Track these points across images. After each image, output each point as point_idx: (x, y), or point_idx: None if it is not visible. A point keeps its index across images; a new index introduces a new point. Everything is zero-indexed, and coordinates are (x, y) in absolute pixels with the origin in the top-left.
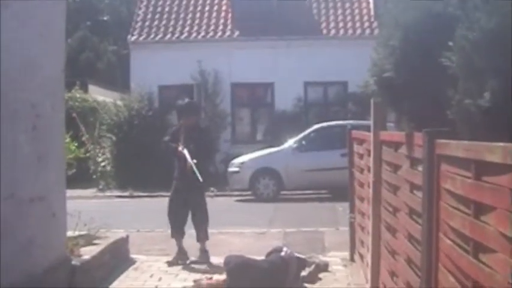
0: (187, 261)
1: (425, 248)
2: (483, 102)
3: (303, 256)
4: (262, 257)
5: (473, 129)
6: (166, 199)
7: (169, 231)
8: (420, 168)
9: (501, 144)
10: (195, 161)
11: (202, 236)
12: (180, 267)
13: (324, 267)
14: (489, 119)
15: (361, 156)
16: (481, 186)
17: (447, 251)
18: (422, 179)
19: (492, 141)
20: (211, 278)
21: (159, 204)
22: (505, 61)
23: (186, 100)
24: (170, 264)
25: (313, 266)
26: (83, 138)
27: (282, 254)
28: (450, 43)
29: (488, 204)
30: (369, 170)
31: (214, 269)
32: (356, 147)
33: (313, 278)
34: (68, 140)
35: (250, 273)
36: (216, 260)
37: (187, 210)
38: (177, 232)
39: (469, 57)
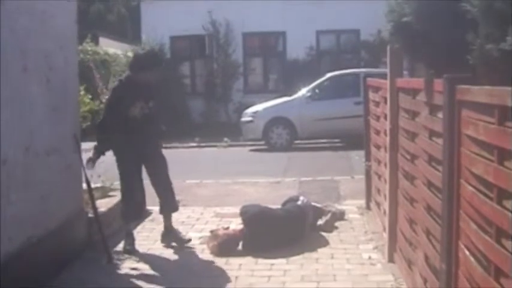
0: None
1: (446, 195)
2: (506, 46)
3: (319, 205)
4: (278, 206)
5: (495, 74)
6: (180, 150)
7: (187, 181)
8: (440, 114)
9: None
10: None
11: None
12: (196, 218)
13: (340, 216)
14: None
15: (377, 104)
16: (505, 132)
17: (469, 198)
18: (442, 126)
19: None
20: (227, 228)
21: (173, 155)
22: None
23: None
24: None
25: (329, 215)
26: (98, 90)
27: (299, 203)
28: None
29: None
30: (385, 118)
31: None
32: (372, 95)
33: (329, 227)
34: (82, 92)
35: (267, 222)
36: (233, 209)
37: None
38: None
39: (491, 0)
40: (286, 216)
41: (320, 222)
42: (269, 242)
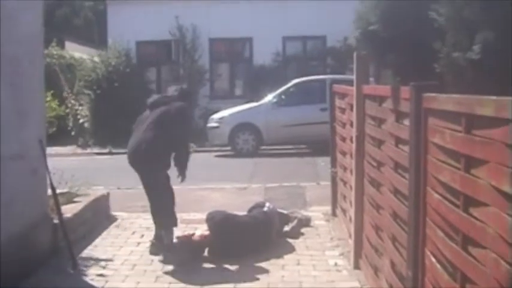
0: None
1: (413, 202)
2: (473, 55)
3: (285, 211)
4: (245, 213)
5: (462, 82)
6: None
7: None
8: (406, 122)
9: (493, 97)
10: None
11: None
12: None
13: (306, 222)
14: (478, 72)
15: (343, 111)
16: (472, 140)
17: (435, 206)
18: (409, 133)
19: (481, 94)
20: (193, 234)
21: None
22: (496, 13)
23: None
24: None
25: (295, 221)
26: (64, 94)
27: (265, 209)
28: None
29: (480, 158)
30: (351, 125)
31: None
32: (338, 102)
33: (295, 233)
34: (49, 98)
35: (233, 229)
36: (199, 215)
37: None
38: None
39: (460, 9)
40: (252, 222)
41: (286, 228)
42: (235, 248)
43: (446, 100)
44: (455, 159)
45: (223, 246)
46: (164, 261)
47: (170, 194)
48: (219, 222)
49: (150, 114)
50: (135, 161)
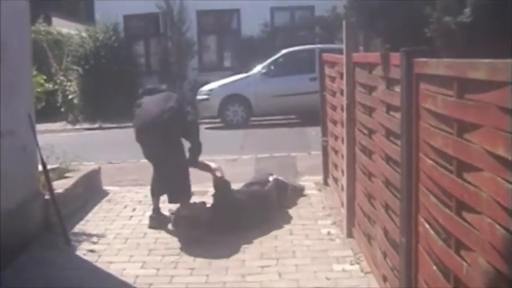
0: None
1: (405, 169)
2: (464, 18)
3: (286, 180)
4: (240, 184)
5: (453, 46)
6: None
7: (143, 160)
8: (397, 88)
9: (486, 60)
10: None
11: None
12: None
13: (300, 191)
14: (469, 35)
15: (332, 79)
16: (464, 104)
17: (428, 172)
18: (400, 100)
19: (472, 57)
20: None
21: (128, 135)
22: None
23: None
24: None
25: (290, 190)
26: (52, 70)
27: (268, 184)
28: None
29: (473, 122)
30: (341, 93)
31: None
32: (327, 70)
33: (289, 202)
34: (35, 73)
35: (236, 209)
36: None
37: None
38: None
39: None
40: (253, 203)
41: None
42: (233, 225)
43: (437, 65)
44: (447, 125)
45: (222, 223)
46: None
47: (187, 165)
48: (223, 202)
49: (153, 97)
50: (155, 128)
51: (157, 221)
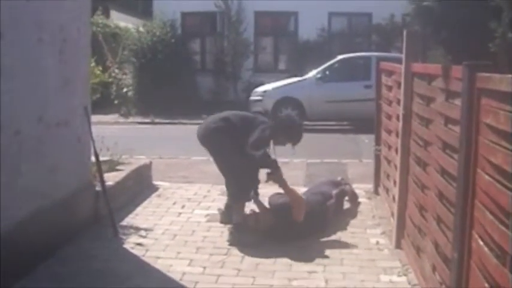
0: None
1: (462, 184)
2: None
3: (355, 190)
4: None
5: None
6: (188, 126)
7: (194, 158)
8: (457, 101)
9: None
10: None
11: None
12: (203, 195)
13: (353, 196)
14: None
15: (389, 88)
16: None
17: (485, 187)
18: (460, 113)
19: None
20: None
21: (180, 131)
22: None
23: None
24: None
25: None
26: (107, 63)
27: (327, 203)
28: None
29: None
30: (398, 103)
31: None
32: (384, 79)
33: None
34: (93, 64)
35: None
36: None
37: None
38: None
39: None
40: (308, 223)
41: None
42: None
43: (500, 80)
44: (508, 141)
45: (275, 237)
46: (231, 241)
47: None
48: (281, 207)
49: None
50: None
51: (226, 216)
